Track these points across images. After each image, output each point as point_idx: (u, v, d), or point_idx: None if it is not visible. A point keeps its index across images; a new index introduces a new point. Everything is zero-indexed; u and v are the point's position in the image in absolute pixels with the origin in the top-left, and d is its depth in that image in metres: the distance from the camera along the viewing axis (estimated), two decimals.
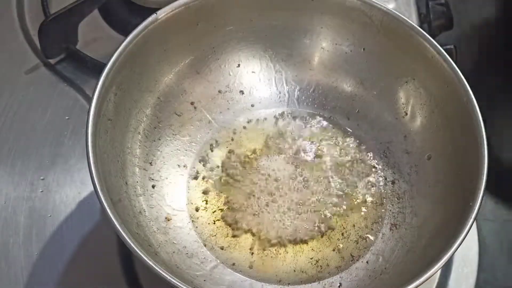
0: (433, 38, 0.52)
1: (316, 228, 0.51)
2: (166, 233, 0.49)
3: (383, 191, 0.54)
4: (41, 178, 0.55)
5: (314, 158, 0.55)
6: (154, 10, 0.50)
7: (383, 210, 0.53)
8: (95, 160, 0.43)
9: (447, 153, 0.51)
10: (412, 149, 0.54)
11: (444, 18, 0.66)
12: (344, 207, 0.53)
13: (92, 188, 0.42)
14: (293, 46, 0.57)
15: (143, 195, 0.50)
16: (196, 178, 0.53)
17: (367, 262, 0.50)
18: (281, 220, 0.51)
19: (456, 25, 0.67)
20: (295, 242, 0.50)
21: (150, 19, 0.49)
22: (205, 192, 0.53)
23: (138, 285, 0.51)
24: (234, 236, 0.51)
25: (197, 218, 0.51)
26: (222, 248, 0.50)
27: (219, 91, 0.57)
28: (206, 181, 0.53)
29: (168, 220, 0.50)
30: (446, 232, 0.45)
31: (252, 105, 0.57)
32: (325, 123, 0.57)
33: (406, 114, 0.55)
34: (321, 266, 0.50)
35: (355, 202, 0.53)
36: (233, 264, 0.49)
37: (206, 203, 0.52)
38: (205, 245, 0.50)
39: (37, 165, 0.55)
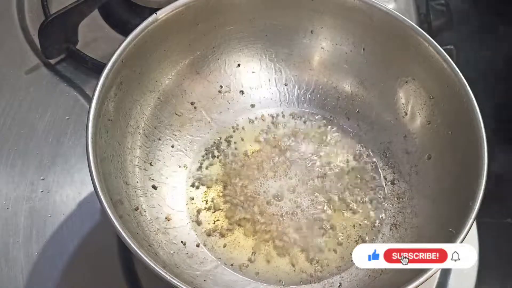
0: (433, 38, 0.52)
1: (316, 228, 0.51)
2: (166, 233, 0.49)
3: (383, 191, 0.54)
4: (41, 178, 0.55)
5: (314, 158, 0.55)
6: (154, 10, 0.50)
7: (383, 210, 0.53)
8: (95, 160, 0.43)
9: (447, 153, 0.51)
10: (412, 149, 0.54)
11: (444, 18, 0.66)
12: (344, 207, 0.53)
13: (92, 188, 0.42)
14: (293, 46, 0.57)
15: (143, 195, 0.50)
16: (196, 178, 0.53)
17: None
18: (281, 220, 0.51)
19: (456, 25, 0.66)
20: (295, 242, 0.50)
21: (150, 19, 0.49)
22: (205, 192, 0.53)
23: (138, 285, 0.51)
24: (234, 236, 0.51)
25: (197, 218, 0.51)
26: (222, 248, 0.50)
27: (219, 91, 0.57)
28: (206, 181, 0.53)
29: (168, 220, 0.50)
30: (446, 232, 0.45)
31: (252, 105, 0.57)
32: (325, 123, 0.57)
33: (406, 114, 0.55)
34: (321, 266, 0.50)
35: (355, 202, 0.53)
36: (233, 264, 0.49)
37: (206, 203, 0.52)
38: (205, 245, 0.50)
39: (37, 165, 0.55)
